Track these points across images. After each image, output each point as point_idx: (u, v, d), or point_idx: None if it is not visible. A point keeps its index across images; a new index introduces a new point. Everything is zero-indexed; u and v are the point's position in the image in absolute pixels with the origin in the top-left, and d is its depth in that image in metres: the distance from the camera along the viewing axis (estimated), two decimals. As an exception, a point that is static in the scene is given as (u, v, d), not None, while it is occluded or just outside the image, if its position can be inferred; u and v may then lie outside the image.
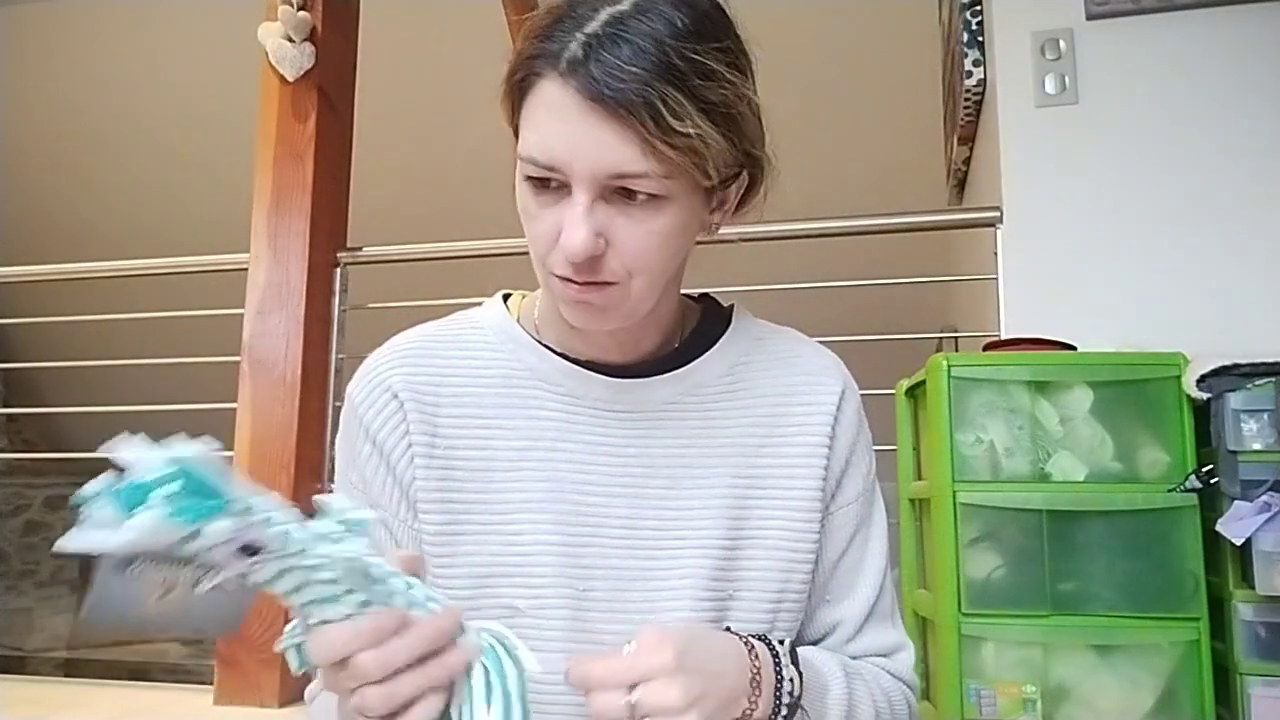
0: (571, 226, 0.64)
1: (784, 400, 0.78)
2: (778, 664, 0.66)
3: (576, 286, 0.67)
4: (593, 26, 0.64)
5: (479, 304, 0.84)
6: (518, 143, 0.69)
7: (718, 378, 0.78)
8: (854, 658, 0.78)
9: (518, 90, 0.67)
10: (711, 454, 0.76)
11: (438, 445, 0.74)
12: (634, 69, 0.62)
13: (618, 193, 0.65)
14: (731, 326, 0.82)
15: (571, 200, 0.65)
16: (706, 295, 0.86)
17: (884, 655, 0.79)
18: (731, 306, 0.85)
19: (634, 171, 0.64)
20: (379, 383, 0.76)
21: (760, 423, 0.77)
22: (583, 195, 0.64)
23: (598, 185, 0.64)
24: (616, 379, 0.76)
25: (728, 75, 0.66)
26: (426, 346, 0.78)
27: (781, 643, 0.68)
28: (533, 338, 0.79)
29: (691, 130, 0.64)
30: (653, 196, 0.65)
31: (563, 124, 0.64)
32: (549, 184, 0.66)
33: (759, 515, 0.75)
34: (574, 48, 0.63)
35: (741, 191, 0.74)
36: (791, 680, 0.66)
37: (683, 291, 0.82)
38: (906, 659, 0.80)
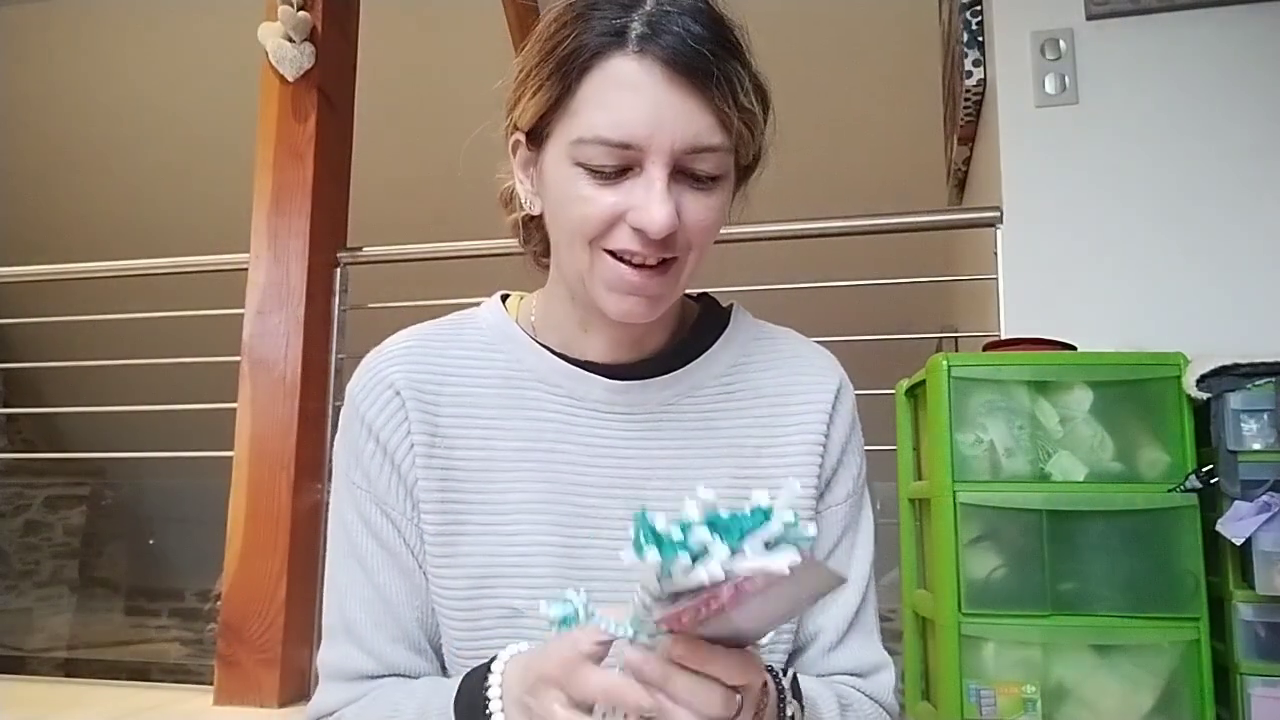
0: (656, 202, 0.64)
1: (782, 400, 0.78)
2: (781, 696, 0.65)
3: (636, 273, 0.67)
4: (649, 5, 0.65)
5: (478, 304, 0.84)
6: (547, 130, 0.69)
7: (716, 378, 0.78)
8: (834, 673, 0.77)
9: (575, 74, 0.66)
10: (710, 454, 0.76)
11: (438, 444, 0.74)
12: (706, 44, 0.64)
13: (682, 172, 0.66)
14: (730, 327, 0.82)
15: (645, 177, 0.65)
16: (705, 295, 0.86)
17: (862, 675, 0.78)
18: (731, 306, 0.84)
19: (710, 144, 0.65)
20: (380, 379, 0.76)
21: (759, 423, 0.77)
22: (660, 170, 0.65)
23: (673, 159, 0.65)
24: (615, 380, 0.76)
25: (754, 57, 0.69)
26: (427, 345, 0.78)
27: (785, 672, 0.67)
28: (531, 338, 0.79)
29: (753, 105, 0.67)
30: (712, 178, 0.67)
31: (642, 97, 0.64)
32: (610, 167, 0.65)
33: None
34: (637, 25, 0.65)
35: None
36: (793, 717, 0.65)
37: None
38: (886, 680, 0.79)
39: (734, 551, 0.47)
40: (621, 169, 0.65)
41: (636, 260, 0.67)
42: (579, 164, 0.66)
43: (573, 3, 0.68)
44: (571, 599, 0.50)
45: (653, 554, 0.47)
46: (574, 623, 0.51)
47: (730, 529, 0.48)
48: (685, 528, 0.48)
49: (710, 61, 0.64)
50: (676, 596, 0.49)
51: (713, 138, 0.65)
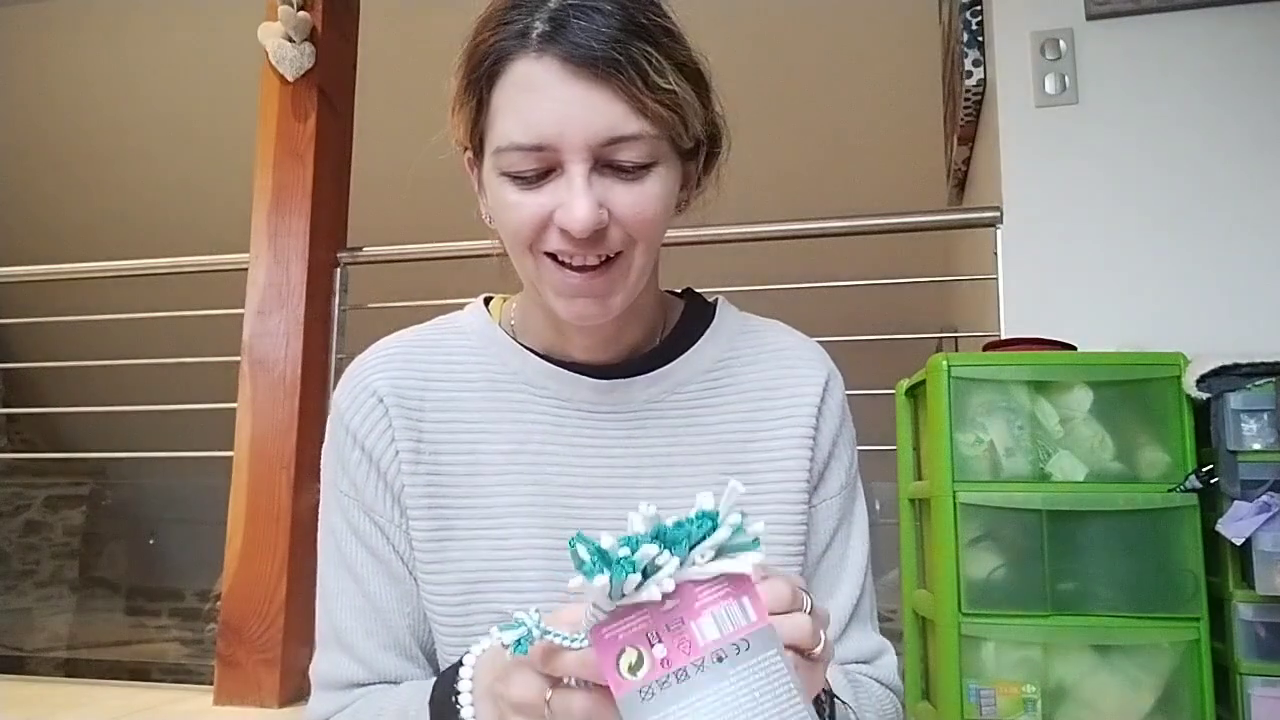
0: (574, 199, 0.63)
1: (769, 393, 0.78)
2: None
3: (578, 275, 0.67)
4: (553, 2, 0.64)
5: (463, 306, 0.84)
6: (482, 143, 0.68)
7: (702, 374, 0.78)
8: (839, 664, 0.77)
9: (485, 82, 0.66)
10: (699, 450, 0.75)
11: (423, 451, 0.74)
12: (609, 31, 0.63)
13: (607, 165, 0.65)
14: (715, 321, 0.81)
15: (566, 176, 0.64)
16: (690, 290, 0.86)
17: (867, 661, 0.79)
18: (716, 300, 0.84)
19: (626, 133, 0.64)
20: (363, 387, 0.75)
21: (746, 417, 0.77)
22: (579, 166, 0.64)
23: (591, 154, 0.64)
24: (600, 379, 0.76)
25: (682, 36, 0.68)
26: (409, 351, 0.78)
27: None
28: (514, 340, 0.78)
29: (673, 86, 0.65)
30: (641, 166, 0.66)
31: (546, 98, 0.63)
32: (531, 171, 0.65)
33: (749, 510, 0.74)
34: (539, 25, 0.63)
35: (702, 164, 0.74)
36: (827, 691, 0.65)
37: (665, 288, 0.81)
38: (890, 662, 0.79)
39: (683, 562, 0.47)
40: (543, 171, 0.65)
41: (576, 261, 0.67)
42: (503, 173, 0.66)
43: (485, 10, 0.68)
44: (524, 620, 0.49)
45: (602, 579, 0.45)
46: (529, 642, 0.49)
47: (678, 540, 0.47)
48: (633, 544, 0.46)
49: (614, 49, 0.62)
50: (628, 611, 0.48)
51: (628, 126, 0.64)
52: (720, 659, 0.45)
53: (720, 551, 0.48)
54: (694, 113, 0.68)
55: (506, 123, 0.65)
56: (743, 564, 0.45)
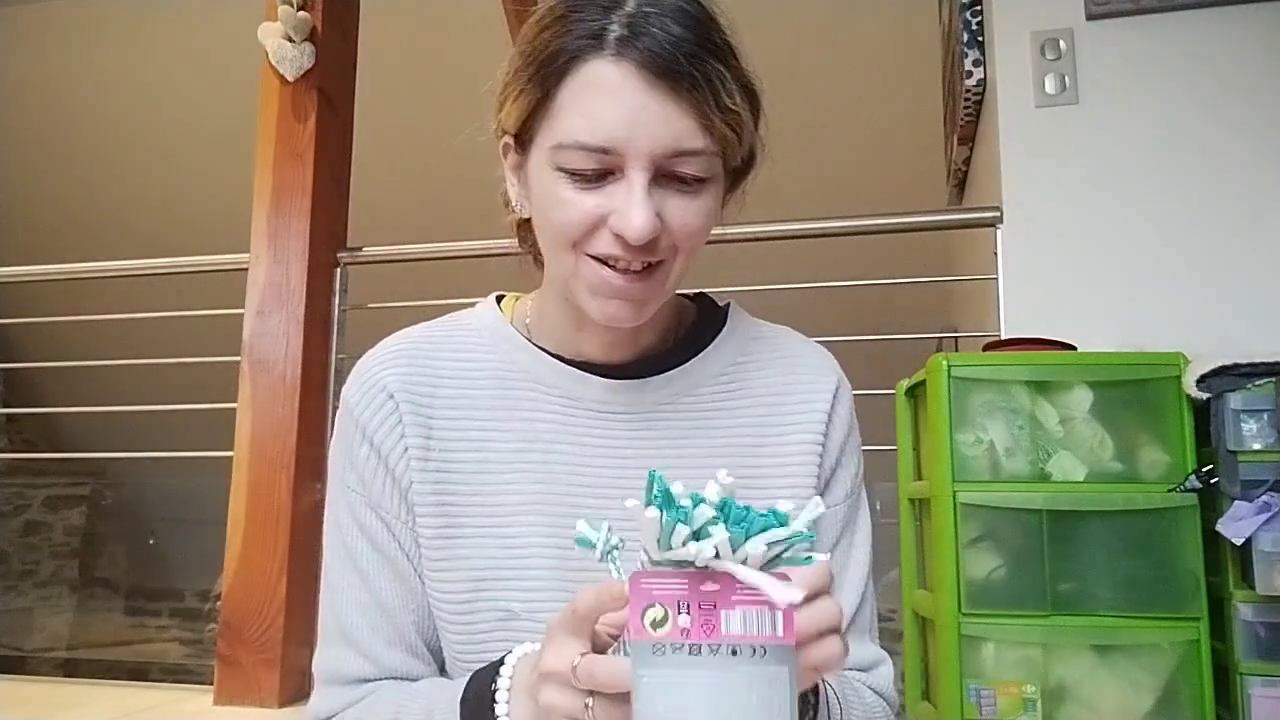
0: (634, 207, 0.63)
1: (780, 399, 0.78)
2: None
3: (620, 277, 0.67)
4: (630, 7, 0.64)
5: (473, 305, 0.84)
6: (533, 135, 0.68)
7: (713, 377, 0.78)
8: None
9: (554, 77, 0.65)
10: (708, 454, 0.75)
11: (433, 448, 0.74)
12: (687, 45, 0.63)
13: (665, 176, 0.65)
14: (727, 326, 0.81)
15: (626, 182, 0.64)
16: (702, 294, 0.86)
17: (864, 670, 0.78)
18: (728, 305, 0.84)
19: (691, 148, 0.64)
20: (373, 383, 0.75)
21: (756, 422, 0.77)
22: (640, 175, 0.64)
23: (653, 163, 0.64)
24: (612, 380, 0.76)
25: (744, 55, 0.68)
26: (420, 348, 0.78)
27: None
28: (527, 339, 0.78)
29: (738, 107, 0.66)
30: (698, 180, 0.66)
31: (618, 102, 0.63)
32: (590, 171, 0.65)
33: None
34: (616, 28, 0.64)
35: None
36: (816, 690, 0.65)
37: (678, 290, 0.81)
38: (887, 673, 0.79)
39: (735, 545, 0.47)
40: (603, 173, 0.65)
41: (620, 265, 0.67)
42: (559, 168, 0.66)
43: (554, 5, 0.67)
44: (600, 533, 0.54)
45: (654, 511, 0.47)
46: (589, 548, 0.54)
47: (740, 519, 0.48)
48: (696, 501, 0.48)
49: (691, 64, 0.63)
50: (671, 574, 0.49)
51: (694, 141, 0.64)
52: (734, 652, 0.47)
53: (776, 558, 0.49)
54: (749, 133, 0.69)
55: (573, 120, 0.65)
56: (779, 590, 0.46)
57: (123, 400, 2.56)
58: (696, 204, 0.67)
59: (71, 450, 4.89)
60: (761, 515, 0.49)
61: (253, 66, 2.03)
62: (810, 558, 0.50)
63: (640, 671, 0.47)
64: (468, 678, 0.66)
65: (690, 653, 0.47)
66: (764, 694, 0.47)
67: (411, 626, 0.75)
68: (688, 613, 0.47)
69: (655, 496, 0.48)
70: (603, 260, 0.67)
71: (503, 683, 0.61)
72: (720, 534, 0.47)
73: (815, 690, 0.64)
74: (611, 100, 0.63)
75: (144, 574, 5.32)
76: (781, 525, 0.48)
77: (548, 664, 0.53)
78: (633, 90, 0.63)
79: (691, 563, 0.48)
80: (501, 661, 0.63)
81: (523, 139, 0.71)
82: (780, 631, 0.47)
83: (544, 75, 0.66)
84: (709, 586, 0.47)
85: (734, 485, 0.49)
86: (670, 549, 0.48)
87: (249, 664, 1.79)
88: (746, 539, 0.47)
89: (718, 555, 0.47)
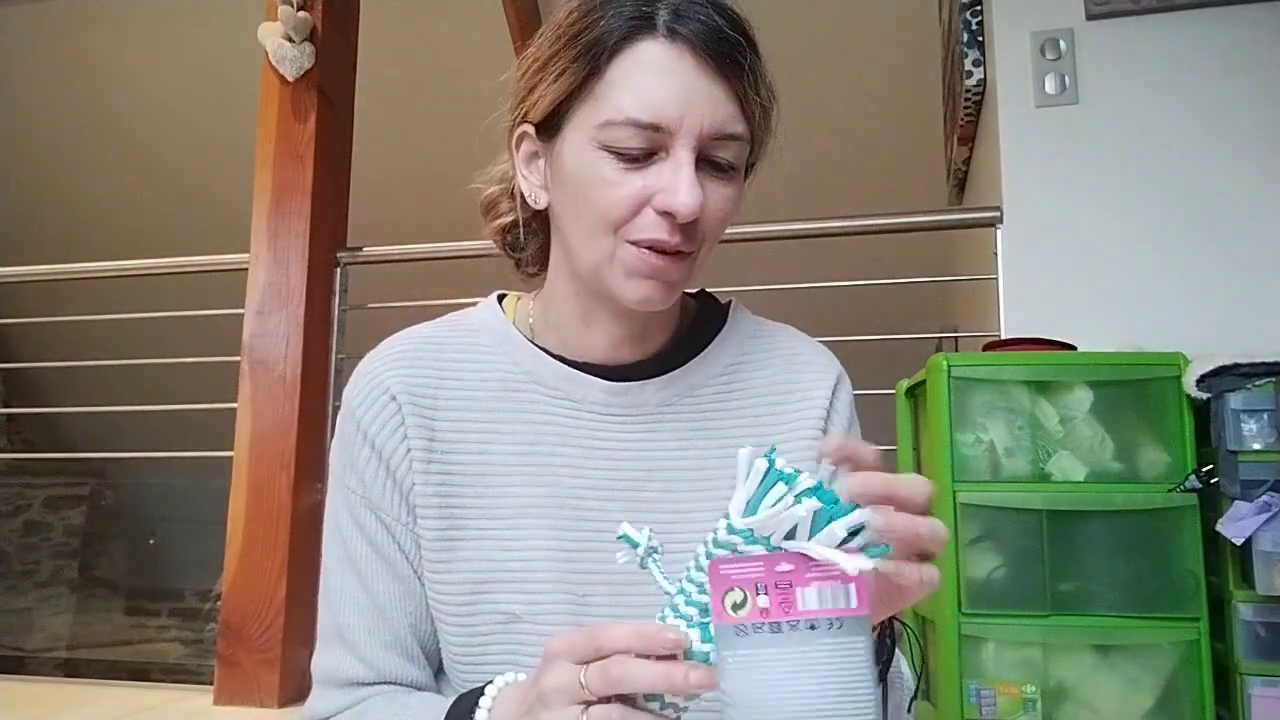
0: (683, 183, 0.65)
1: (780, 396, 0.78)
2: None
3: (660, 258, 0.68)
4: None
5: (474, 304, 0.83)
6: (564, 118, 0.69)
7: (714, 377, 0.78)
8: None
9: (605, 56, 0.66)
10: (710, 454, 0.75)
11: (435, 449, 0.74)
12: (730, 35, 0.66)
13: (702, 160, 0.67)
14: (728, 325, 0.81)
15: (673, 160, 0.65)
16: (704, 292, 0.86)
17: None
18: (729, 303, 0.84)
19: (734, 131, 0.67)
20: (376, 384, 0.75)
21: (757, 420, 0.77)
22: (687, 154, 0.65)
23: (700, 144, 0.65)
24: (613, 381, 0.76)
25: (764, 57, 0.70)
26: (422, 349, 0.77)
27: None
28: (529, 340, 0.78)
29: (769, 102, 0.69)
30: (732, 167, 0.68)
31: (673, 80, 0.65)
32: (637, 149, 0.66)
33: None
34: (664, 13, 0.66)
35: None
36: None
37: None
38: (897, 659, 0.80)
39: (819, 522, 0.50)
40: (648, 152, 0.66)
41: (659, 248, 0.68)
42: (605, 147, 0.66)
43: None
44: (639, 537, 0.56)
45: (762, 463, 0.51)
46: (633, 547, 0.56)
47: (827, 501, 0.50)
48: (797, 472, 0.51)
49: (735, 50, 0.66)
50: (746, 560, 0.51)
51: (736, 125, 0.67)
52: (812, 627, 0.50)
53: (852, 535, 0.51)
54: (769, 128, 0.72)
55: (624, 98, 0.65)
56: (858, 563, 0.48)
57: (123, 400, 2.56)
58: (727, 192, 0.69)
59: (71, 450, 4.89)
60: (843, 505, 0.51)
61: (253, 66, 2.03)
62: (887, 547, 0.52)
63: (725, 653, 0.50)
64: (448, 708, 0.65)
65: (771, 631, 0.50)
66: (843, 662, 0.50)
67: (408, 629, 0.74)
68: (766, 594, 0.50)
69: (762, 471, 0.51)
70: (641, 247, 0.68)
71: (481, 714, 0.61)
72: (812, 504, 0.50)
73: (887, 638, 0.64)
74: (665, 78, 0.65)
75: (144, 574, 5.33)
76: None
77: (546, 685, 0.53)
78: (686, 69, 0.65)
79: (767, 539, 0.50)
80: (481, 691, 0.63)
81: (549, 125, 0.71)
82: (854, 603, 0.50)
83: (591, 55, 0.67)
84: (783, 566, 0.50)
85: (834, 474, 0.52)
86: (756, 514, 0.50)
87: (249, 664, 1.79)
88: (830, 521, 0.50)
89: (793, 535, 0.50)
